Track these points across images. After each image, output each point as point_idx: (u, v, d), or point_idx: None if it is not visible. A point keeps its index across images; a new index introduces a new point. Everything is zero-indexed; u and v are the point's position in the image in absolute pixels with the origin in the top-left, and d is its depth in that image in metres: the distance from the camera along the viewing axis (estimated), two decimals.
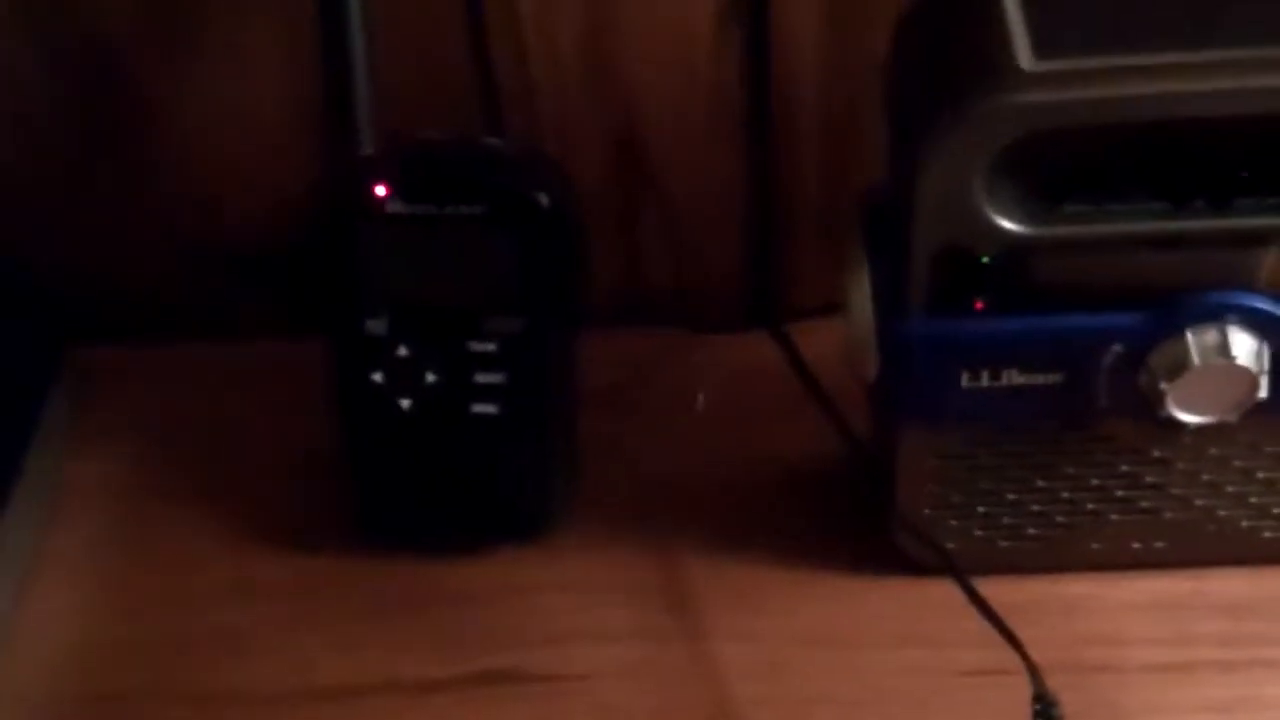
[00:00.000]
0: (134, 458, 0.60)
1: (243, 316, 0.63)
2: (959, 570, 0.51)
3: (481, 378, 0.52)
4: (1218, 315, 0.45)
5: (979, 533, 0.52)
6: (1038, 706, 0.48)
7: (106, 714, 0.53)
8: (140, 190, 0.61)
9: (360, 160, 0.51)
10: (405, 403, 0.53)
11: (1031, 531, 0.52)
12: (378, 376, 0.52)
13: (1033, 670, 0.49)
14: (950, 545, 0.52)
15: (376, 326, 0.52)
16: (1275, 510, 0.52)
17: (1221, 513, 0.52)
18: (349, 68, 0.50)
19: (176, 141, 0.59)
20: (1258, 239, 0.44)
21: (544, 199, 0.50)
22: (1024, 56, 0.41)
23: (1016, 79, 0.40)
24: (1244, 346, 0.45)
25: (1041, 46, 0.41)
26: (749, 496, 0.58)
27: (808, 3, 0.55)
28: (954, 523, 0.52)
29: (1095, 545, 0.53)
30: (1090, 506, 0.52)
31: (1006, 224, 0.43)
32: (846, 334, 0.49)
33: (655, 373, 0.62)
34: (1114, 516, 0.52)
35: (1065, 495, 0.51)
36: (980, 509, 0.52)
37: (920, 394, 0.48)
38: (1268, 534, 0.52)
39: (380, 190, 0.50)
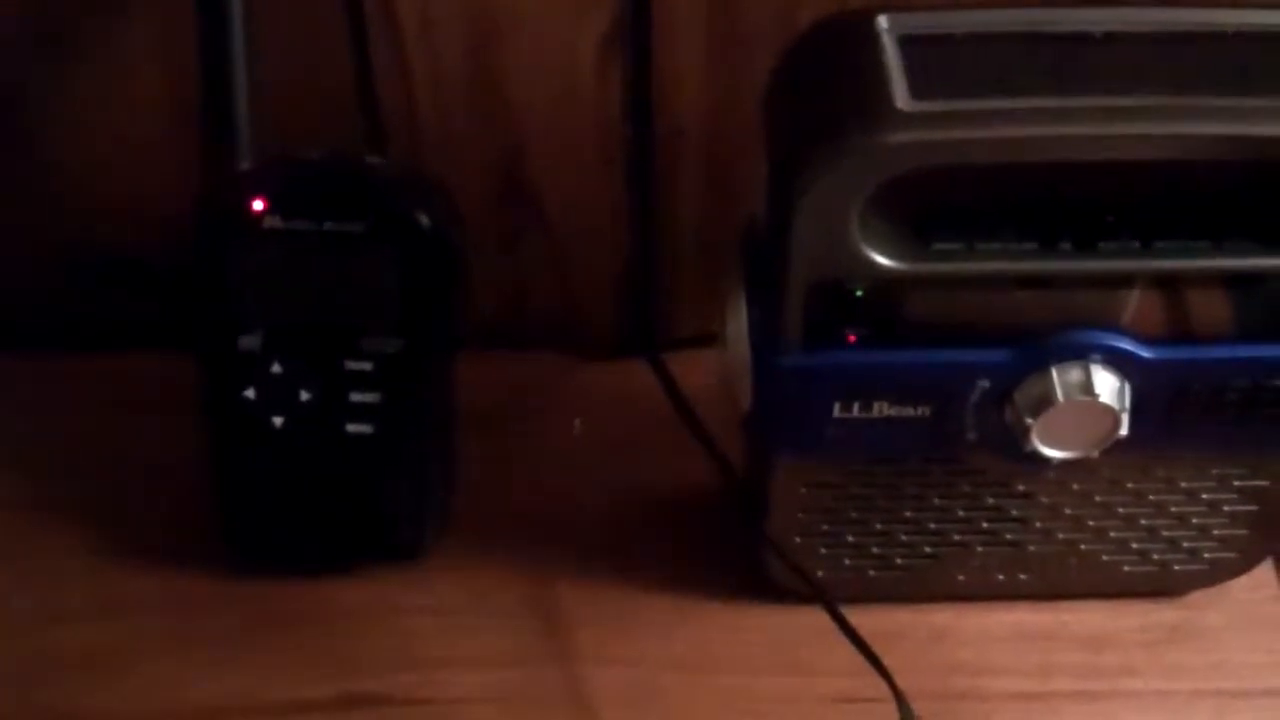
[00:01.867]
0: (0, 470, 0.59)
1: (116, 329, 0.62)
2: (829, 598, 0.52)
3: (357, 397, 0.52)
4: (1082, 353, 0.46)
5: (848, 561, 0.53)
6: None
7: None
8: (11, 198, 0.60)
9: (237, 174, 0.51)
10: (278, 420, 0.52)
11: (899, 561, 0.53)
12: (250, 393, 0.52)
13: (899, 698, 0.50)
14: (820, 573, 0.53)
15: (250, 342, 0.51)
16: (1134, 545, 0.53)
17: (1083, 546, 0.53)
18: (227, 79, 0.50)
19: (50, 149, 0.58)
20: (1122, 281, 0.45)
21: (424, 219, 0.50)
22: (900, 97, 0.41)
23: (893, 118, 0.41)
24: (1106, 384, 0.46)
25: (918, 88, 0.41)
26: (624, 522, 0.58)
27: (690, 32, 0.55)
28: (824, 551, 0.53)
29: (961, 576, 0.54)
30: (956, 538, 0.52)
31: (879, 259, 0.43)
32: (723, 363, 0.49)
33: (534, 397, 0.62)
34: (979, 548, 0.53)
35: (932, 526, 0.52)
36: (850, 538, 0.52)
37: (793, 424, 0.48)
38: (1127, 568, 0.54)
39: (257, 205, 0.50)
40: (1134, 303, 0.46)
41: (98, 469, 0.59)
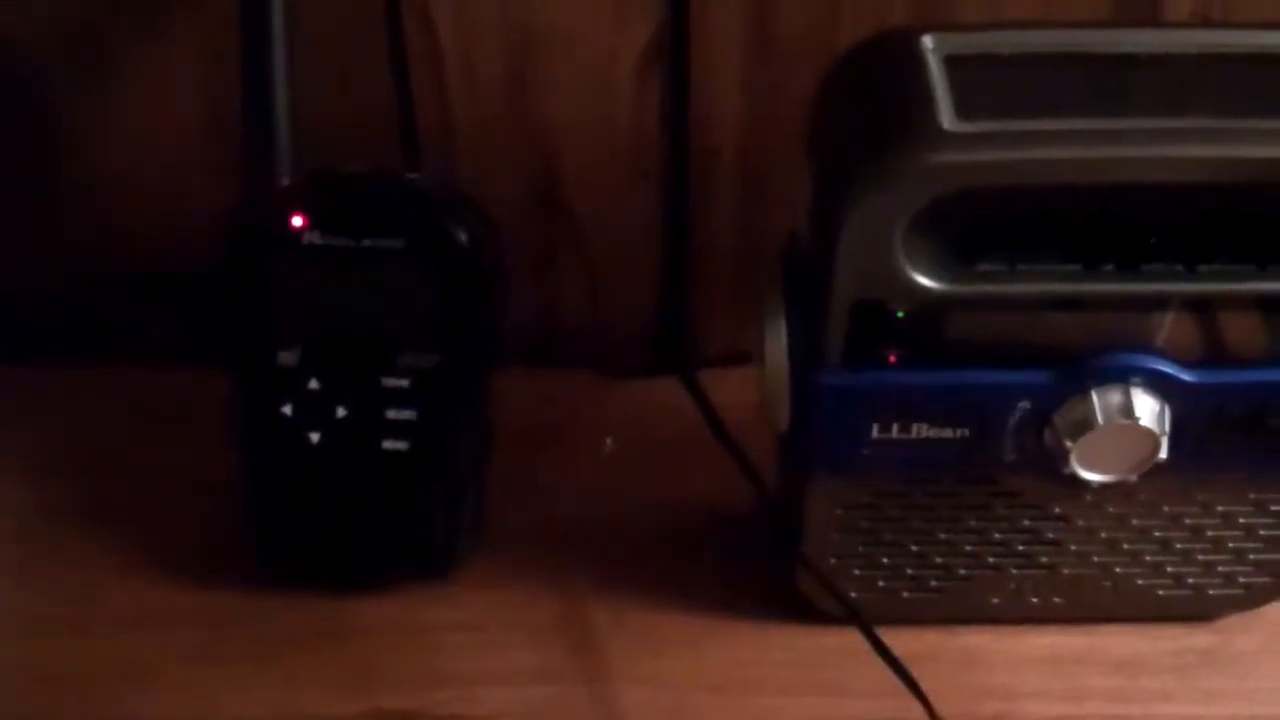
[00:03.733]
0: (34, 483, 0.59)
1: (149, 341, 0.62)
2: (863, 619, 0.51)
3: (393, 413, 0.52)
4: (1122, 376, 0.46)
5: (882, 583, 0.53)
6: None
7: None
8: (48, 210, 0.60)
9: (278, 190, 0.51)
10: (314, 436, 0.52)
11: (934, 583, 0.53)
12: (287, 409, 0.52)
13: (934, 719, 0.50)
14: (854, 594, 0.53)
15: (288, 358, 0.51)
16: (1169, 569, 0.53)
17: (1118, 570, 0.53)
18: (269, 96, 0.50)
19: (88, 162, 0.59)
20: (1163, 303, 0.45)
21: (462, 235, 0.50)
22: (946, 117, 0.41)
23: (939, 139, 0.41)
24: (1147, 408, 0.46)
25: (963, 108, 0.42)
26: (655, 541, 0.58)
27: (728, 52, 0.56)
28: (858, 572, 0.53)
29: (995, 599, 0.54)
30: (991, 560, 0.52)
31: (922, 280, 0.43)
32: (760, 382, 0.49)
33: (566, 415, 0.62)
34: (1014, 571, 0.53)
35: (968, 548, 0.52)
36: (884, 559, 0.52)
37: (830, 444, 0.48)
38: (1162, 592, 0.53)
39: (297, 221, 0.50)
40: (1174, 325, 0.46)
41: (132, 481, 0.59)
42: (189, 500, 0.58)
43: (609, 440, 0.61)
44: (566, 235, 0.61)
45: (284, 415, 0.52)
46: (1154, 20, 0.54)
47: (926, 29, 0.44)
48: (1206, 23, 0.51)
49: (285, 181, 0.51)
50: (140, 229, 0.60)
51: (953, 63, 0.43)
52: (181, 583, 0.55)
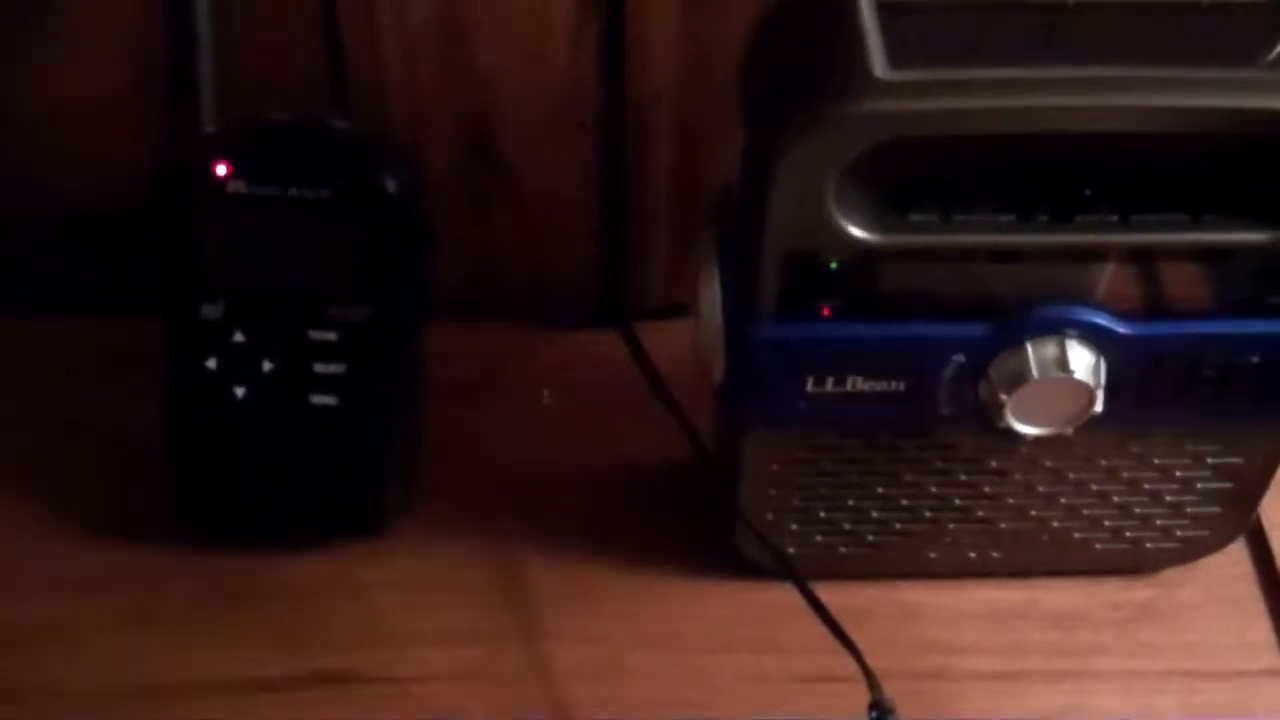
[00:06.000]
0: None
1: (71, 293, 0.61)
2: (799, 575, 0.51)
3: (320, 368, 0.51)
4: (1057, 329, 0.45)
5: (819, 538, 0.53)
6: (874, 714, 0.49)
7: None
8: None
9: (201, 137, 0.50)
10: (240, 391, 0.51)
11: (871, 538, 0.53)
12: (211, 363, 0.51)
13: (869, 677, 0.49)
14: (791, 550, 0.52)
15: (212, 311, 0.50)
16: (1107, 522, 0.53)
17: (1055, 524, 0.52)
18: (192, 39, 0.49)
19: (5, 107, 0.57)
20: (1098, 254, 0.45)
21: (391, 185, 0.49)
22: (879, 65, 0.41)
23: (871, 87, 0.40)
24: (1082, 361, 0.45)
25: (896, 56, 0.41)
26: (592, 496, 0.57)
27: (662, 1, 0.55)
28: (795, 527, 0.52)
29: (933, 553, 0.53)
30: (928, 515, 0.52)
31: (855, 231, 0.43)
32: (695, 336, 0.48)
33: (503, 367, 0.61)
34: (951, 525, 0.52)
35: (904, 503, 0.52)
36: (821, 514, 0.52)
37: (765, 397, 0.47)
38: (1100, 545, 0.53)
39: (221, 170, 0.49)
40: (1109, 277, 0.45)
41: (51, 438, 0.57)
42: (111, 456, 0.56)
43: (546, 393, 0.60)
44: (502, 185, 0.60)
45: (208, 369, 0.51)
46: None
47: None
48: None
49: (210, 128, 0.50)
50: (64, 175, 0.59)
51: (886, 10, 0.42)
52: (104, 543, 0.54)
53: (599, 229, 0.61)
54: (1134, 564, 0.55)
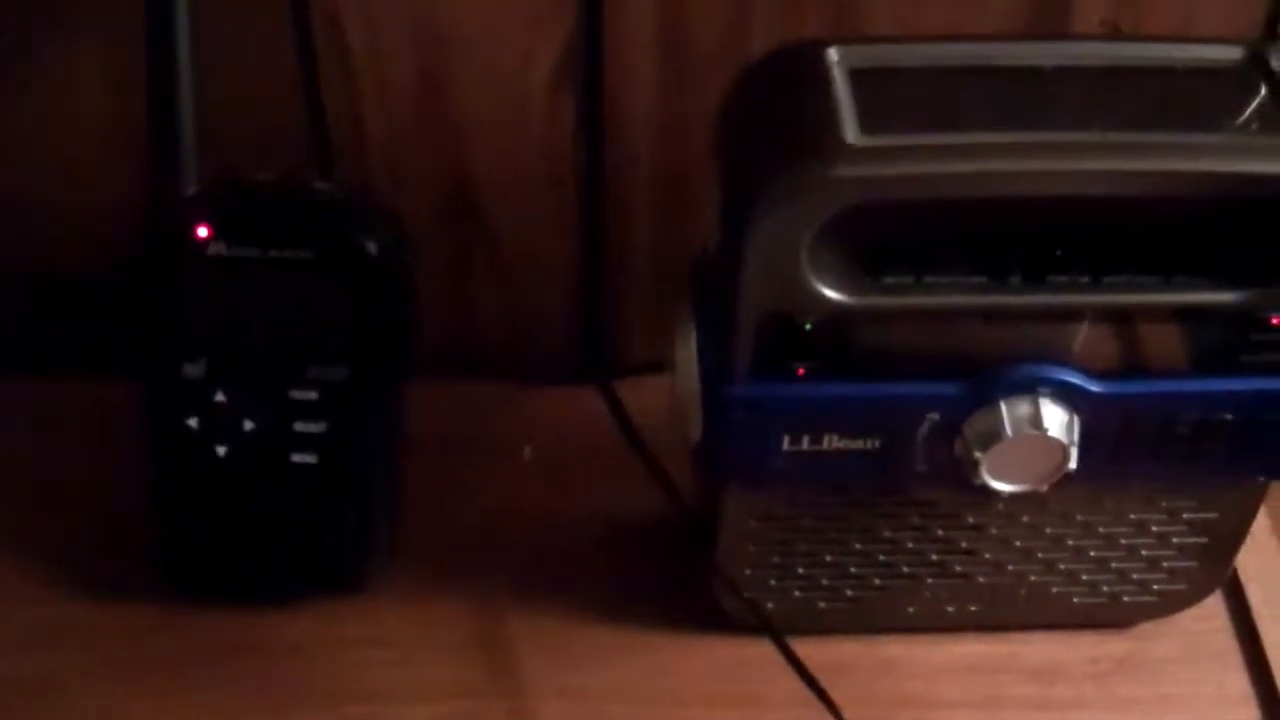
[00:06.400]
0: None
1: (53, 352, 0.61)
2: (776, 630, 0.51)
3: (301, 426, 0.51)
4: (1031, 387, 0.46)
5: (798, 593, 0.53)
6: None
7: None
8: None
9: (182, 199, 0.50)
10: (221, 450, 0.51)
11: (849, 593, 0.53)
12: (193, 422, 0.51)
13: None
14: (770, 605, 0.52)
15: (194, 370, 0.51)
16: (1084, 576, 0.53)
17: (1033, 578, 0.53)
18: (173, 101, 0.49)
19: None
20: (1071, 314, 0.45)
21: (372, 246, 0.50)
22: (851, 131, 0.41)
23: (843, 153, 0.41)
24: (1055, 419, 0.46)
25: (868, 121, 0.41)
26: (572, 552, 0.57)
27: (641, 62, 0.55)
28: (774, 583, 0.52)
29: (911, 608, 0.54)
30: (906, 570, 0.52)
31: (829, 293, 0.43)
32: (672, 394, 0.49)
33: (483, 423, 0.61)
34: (929, 580, 0.53)
35: (882, 558, 0.52)
36: (799, 570, 0.52)
37: (742, 456, 0.48)
38: (1077, 599, 0.54)
39: (202, 231, 0.49)
40: (1082, 336, 0.46)
41: (33, 497, 0.58)
42: (95, 515, 0.57)
43: (527, 449, 0.60)
44: (482, 243, 0.60)
45: (190, 428, 0.51)
46: (1063, 33, 0.54)
47: (833, 41, 0.43)
48: (1115, 35, 0.51)
49: (191, 189, 0.50)
50: (45, 236, 0.59)
51: (858, 76, 0.43)
52: (89, 599, 0.55)
53: (578, 286, 0.62)
54: (1111, 618, 0.55)
